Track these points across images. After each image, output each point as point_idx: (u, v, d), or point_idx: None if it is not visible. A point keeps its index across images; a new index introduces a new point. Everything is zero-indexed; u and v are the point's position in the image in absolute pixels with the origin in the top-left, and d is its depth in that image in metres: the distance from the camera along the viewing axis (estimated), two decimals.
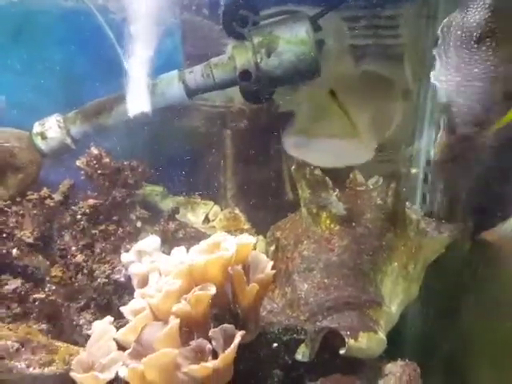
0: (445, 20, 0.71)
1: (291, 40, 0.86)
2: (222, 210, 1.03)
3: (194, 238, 0.86)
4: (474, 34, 0.67)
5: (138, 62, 0.91)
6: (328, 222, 0.78)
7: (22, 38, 1.01)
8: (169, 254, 0.70)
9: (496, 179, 0.77)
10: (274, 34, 0.88)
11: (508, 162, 0.74)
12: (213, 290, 0.58)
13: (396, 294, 0.73)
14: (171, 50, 1.02)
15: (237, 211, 1.01)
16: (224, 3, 0.97)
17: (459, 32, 0.68)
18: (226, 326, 0.57)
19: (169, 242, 0.81)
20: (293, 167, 0.82)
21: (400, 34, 0.96)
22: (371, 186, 0.83)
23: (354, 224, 0.77)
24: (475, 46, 0.67)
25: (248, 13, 0.95)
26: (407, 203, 0.81)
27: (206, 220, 0.99)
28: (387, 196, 0.77)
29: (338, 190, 0.80)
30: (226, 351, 0.53)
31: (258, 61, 0.88)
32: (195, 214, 0.99)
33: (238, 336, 0.55)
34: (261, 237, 0.93)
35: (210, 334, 0.56)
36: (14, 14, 1.00)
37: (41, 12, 1.01)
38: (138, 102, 0.92)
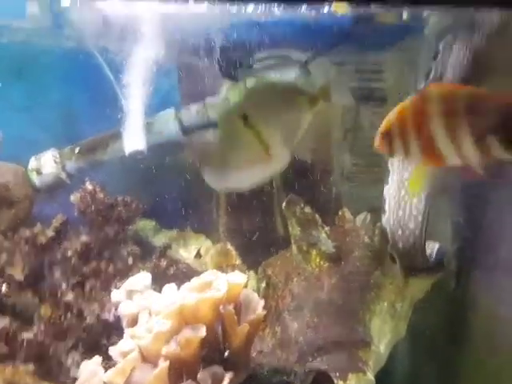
0: None
1: None
2: (213, 244, 1.04)
3: (185, 274, 0.86)
4: None
5: (135, 100, 0.94)
6: (318, 259, 0.79)
7: (23, 75, 1.05)
8: (160, 291, 0.70)
9: (479, 217, 0.80)
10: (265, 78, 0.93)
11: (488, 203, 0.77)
12: (203, 331, 0.58)
13: (384, 333, 0.73)
14: (168, 89, 1.06)
15: (228, 246, 1.01)
16: (220, 46, 1.02)
17: None
18: (214, 367, 0.57)
19: (160, 279, 0.81)
20: (283, 204, 0.84)
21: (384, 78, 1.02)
22: (358, 224, 0.86)
23: (342, 262, 0.78)
24: None
25: (242, 56, 1.00)
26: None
27: (198, 255, 1.00)
28: (374, 235, 0.79)
29: (327, 227, 0.82)
30: None
31: None
32: (187, 250, 0.99)
33: (227, 378, 0.55)
34: (252, 272, 0.94)
35: (198, 376, 0.56)
36: (16, 53, 1.04)
37: (42, 51, 1.05)
38: (134, 139, 0.95)
